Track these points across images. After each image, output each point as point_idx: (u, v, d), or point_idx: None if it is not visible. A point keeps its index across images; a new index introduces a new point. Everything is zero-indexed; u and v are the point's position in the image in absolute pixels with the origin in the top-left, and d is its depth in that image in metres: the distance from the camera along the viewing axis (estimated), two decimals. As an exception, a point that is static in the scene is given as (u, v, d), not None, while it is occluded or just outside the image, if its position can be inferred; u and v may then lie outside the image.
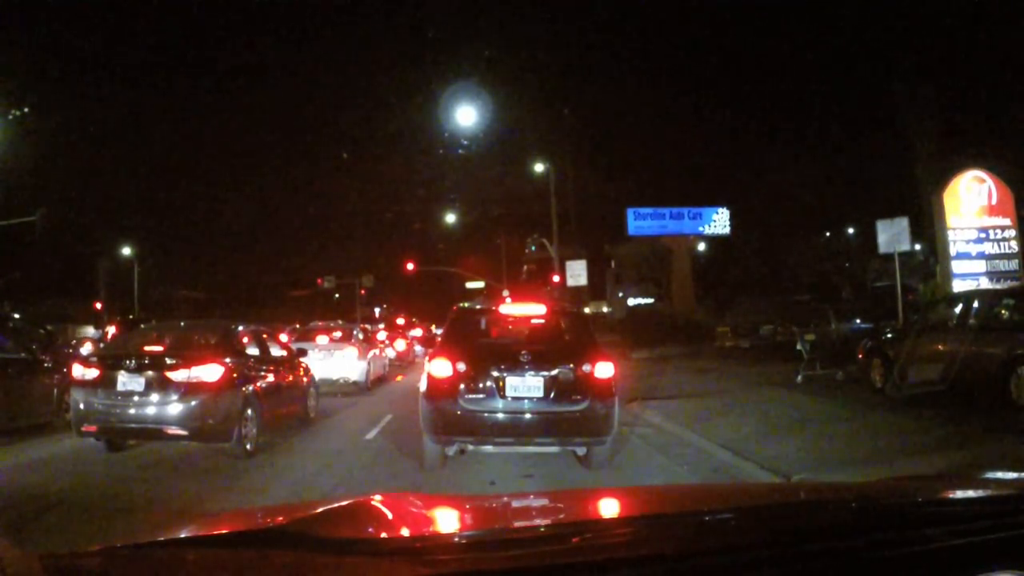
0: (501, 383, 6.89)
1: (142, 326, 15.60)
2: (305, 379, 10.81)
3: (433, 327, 42.68)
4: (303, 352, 11.67)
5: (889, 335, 12.47)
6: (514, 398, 6.88)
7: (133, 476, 7.21)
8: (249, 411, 8.16)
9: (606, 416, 6.99)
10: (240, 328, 9.61)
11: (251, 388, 8.42)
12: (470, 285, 45.39)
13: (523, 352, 7.05)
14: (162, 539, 1.60)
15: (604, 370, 7.05)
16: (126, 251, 44.50)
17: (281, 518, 1.84)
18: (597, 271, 44.78)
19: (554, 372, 6.93)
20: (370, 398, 15.00)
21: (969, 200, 14.97)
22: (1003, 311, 10.04)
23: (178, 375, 7.63)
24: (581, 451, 7.41)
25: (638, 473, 7.42)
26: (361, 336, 18.09)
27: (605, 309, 53.28)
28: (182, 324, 11.46)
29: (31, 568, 1.31)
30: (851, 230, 40.75)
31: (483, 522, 2.00)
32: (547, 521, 2.07)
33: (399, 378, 20.40)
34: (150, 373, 7.66)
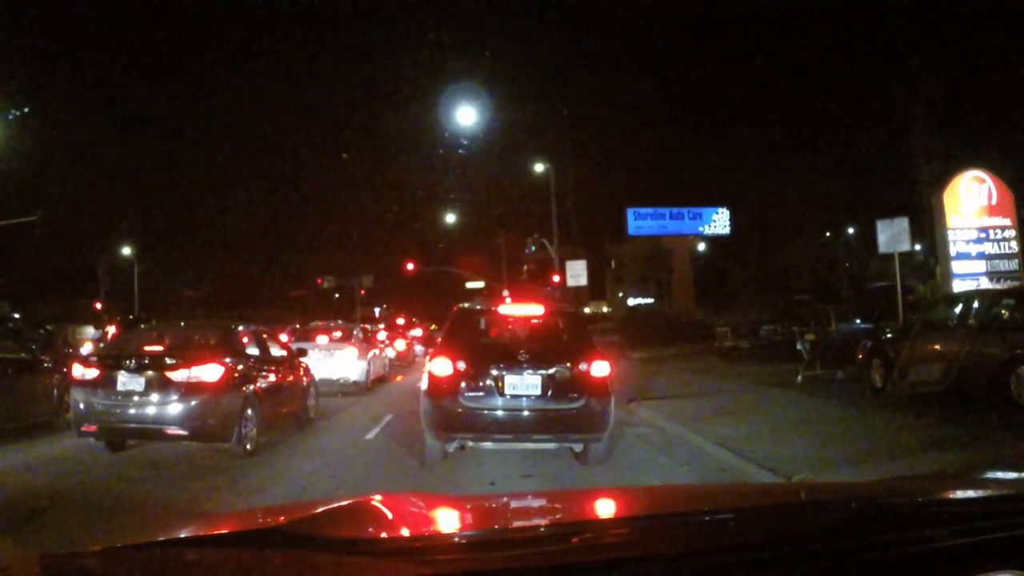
0: (500, 381, 7.00)
1: (142, 326, 15.60)
2: (305, 379, 10.81)
3: (432, 327, 42.66)
4: (303, 352, 11.66)
5: (889, 335, 12.46)
6: (513, 396, 7.00)
7: (133, 476, 7.20)
8: (249, 411, 8.15)
9: (602, 413, 7.11)
10: (240, 328, 9.61)
11: (251, 388, 8.42)
12: (470, 285, 45.37)
13: (521, 351, 7.21)
14: (162, 539, 1.60)
15: (600, 369, 7.17)
16: (126, 251, 44.46)
17: (281, 518, 1.84)
18: (597, 271, 44.80)
19: (551, 371, 7.04)
20: (370, 398, 14.99)
21: (969, 200, 14.97)
22: (1003, 311, 10.03)
23: (178, 375, 7.63)
24: (578, 448, 7.50)
25: (638, 473, 7.42)
26: (361, 336, 18.08)
27: (605, 309, 53.31)
28: (182, 324, 11.45)
29: (31, 568, 1.31)
30: (851, 230, 40.73)
31: (483, 522, 2.00)
32: (547, 521, 2.07)
33: (399, 378, 20.40)
34: (150, 373, 7.66)
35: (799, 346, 14.60)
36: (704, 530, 1.61)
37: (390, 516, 1.84)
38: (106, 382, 7.68)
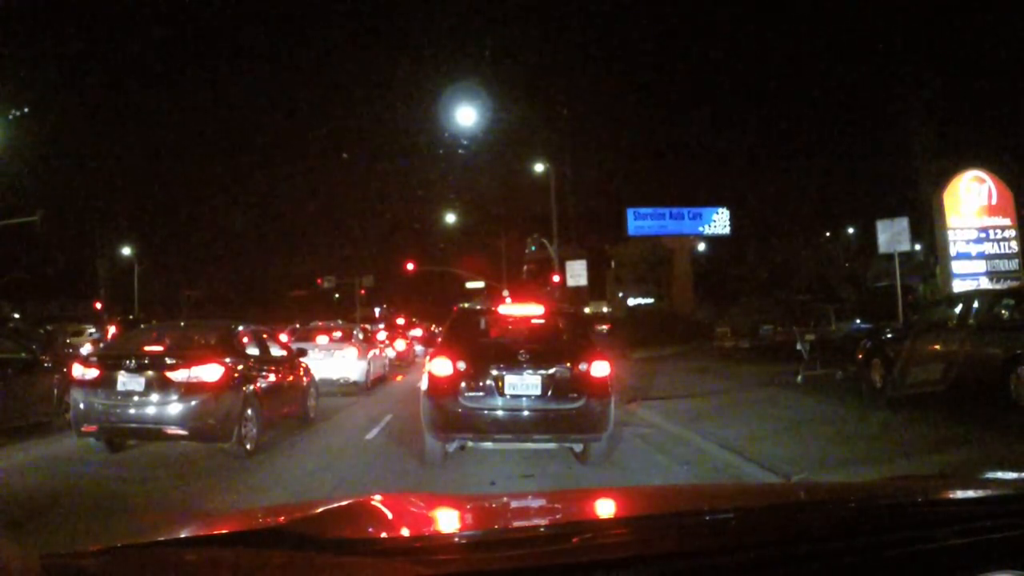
0: (500, 381, 7.00)
1: (142, 326, 15.59)
2: (305, 379, 10.81)
3: (433, 327, 42.64)
4: (303, 352, 11.66)
5: (889, 335, 12.45)
6: (513, 396, 7.00)
7: (133, 476, 7.20)
8: (249, 411, 8.15)
9: (602, 413, 7.11)
10: (240, 328, 9.60)
11: (251, 388, 8.41)
12: (470, 285, 45.37)
13: (521, 351, 7.19)
14: (162, 539, 1.60)
15: (600, 369, 7.16)
16: (126, 251, 44.48)
17: (281, 518, 1.84)
18: (597, 271, 44.82)
19: (551, 371, 7.04)
20: (370, 398, 14.99)
21: (969, 200, 14.97)
22: (1003, 311, 10.02)
23: (178, 375, 7.63)
24: (578, 448, 7.50)
25: (638, 473, 7.42)
26: (361, 336, 18.08)
27: (605, 309, 53.35)
28: (182, 324, 11.44)
29: (31, 567, 1.31)
30: (851, 230, 40.73)
31: (483, 522, 2.00)
32: (547, 521, 2.07)
33: (399, 378, 20.40)
34: (150, 373, 7.66)
35: (799, 346, 14.59)
36: (704, 530, 1.61)
37: (390, 516, 1.84)
38: (106, 382, 7.68)
